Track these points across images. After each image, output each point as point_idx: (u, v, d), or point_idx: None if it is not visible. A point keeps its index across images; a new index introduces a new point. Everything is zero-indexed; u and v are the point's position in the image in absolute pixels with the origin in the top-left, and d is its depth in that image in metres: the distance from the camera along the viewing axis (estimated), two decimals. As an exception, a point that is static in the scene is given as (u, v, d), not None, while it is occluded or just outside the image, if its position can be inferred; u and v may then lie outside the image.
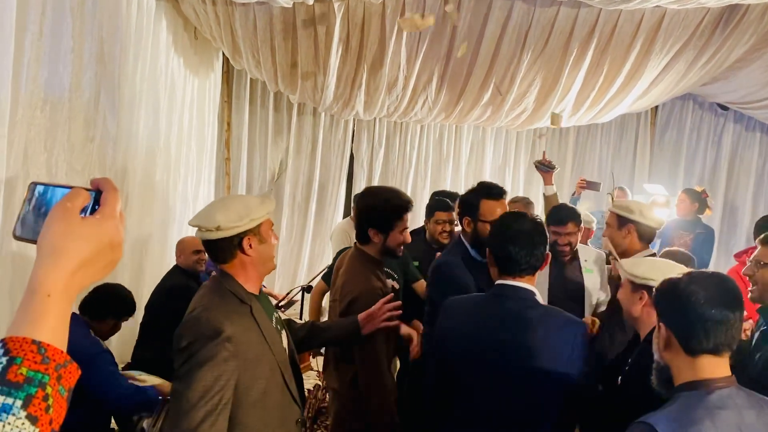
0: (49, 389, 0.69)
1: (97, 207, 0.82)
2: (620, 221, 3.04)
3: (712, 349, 1.51)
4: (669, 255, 3.46)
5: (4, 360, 0.68)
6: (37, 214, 0.83)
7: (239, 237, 1.87)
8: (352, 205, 5.49)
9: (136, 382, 3.31)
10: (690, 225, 5.16)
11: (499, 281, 2.14)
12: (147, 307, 4.38)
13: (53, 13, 3.32)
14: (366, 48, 5.16)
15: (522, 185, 7.61)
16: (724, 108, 7.25)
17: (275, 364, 1.90)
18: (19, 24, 2.98)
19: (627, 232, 3.02)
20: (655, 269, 2.16)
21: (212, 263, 5.55)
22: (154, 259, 4.84)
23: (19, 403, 0.67)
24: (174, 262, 4.63)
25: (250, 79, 6.43)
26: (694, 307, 1.52)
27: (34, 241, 0.80)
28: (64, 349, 0.72)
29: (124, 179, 4.38)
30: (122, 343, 4.44)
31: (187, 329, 1.82)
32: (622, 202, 3.11)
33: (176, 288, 4.34)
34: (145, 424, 3.43)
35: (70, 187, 0.82)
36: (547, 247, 2.16)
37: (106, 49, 3.94)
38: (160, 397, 3.22)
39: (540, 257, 2.11)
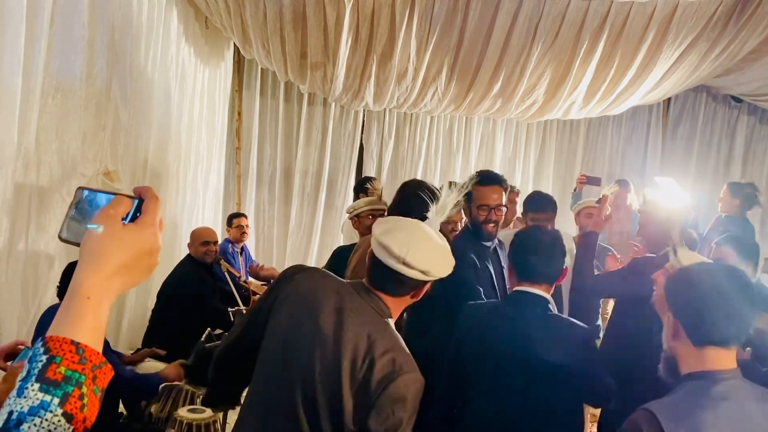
0: (84, 389, 0.71)
1: (138, 214, 0.85)
2: None
3: (719, 341, 1.50)
4: None
5: (44, 358, 0.71)
6: (82, 218, 0.86)
7: (424, 283, 1.73)
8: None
9: (142, 369, 3.36)
10: (730, 222, 4.78)
11: (516, 288, 2.22)
12: (159, 296, 4.41)
13: (65, 1, 3.35)
14: (375, 39, 5.16)
15: (532, 177, 7.58)
16: (737, 100, 7.18)
17: None
18: (30, 12, 3.01)
19: None
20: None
21: (225, 252, 5.50)
22: (164, 247, 4.82)
23: (56, 400, 0.69)
24: (185, 251, 4.67)
25: (261, 69, 6.45)
26: (702, 297, 1.51)
27: (78, 244, 0.83)
28: (100, 350, 0.75)
29: (135, 168, 4.42)
30: (133, 329, 4.50)
31: (412, 398, 1.59)
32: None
33: (187, 278, 4.36)
34: (152, 409, 3.48)
35: (115, 194, 0.86)
36: (565, 261, 2.23)
37: (118, 37, 3.97)
38: (162, 384, 3.26)
39: (556, 268, 2.18)
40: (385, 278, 1.69)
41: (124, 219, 0.83)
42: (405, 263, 1.62)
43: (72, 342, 0.72)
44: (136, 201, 0.86)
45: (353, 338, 1.61)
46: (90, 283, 0.77)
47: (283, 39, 5.16)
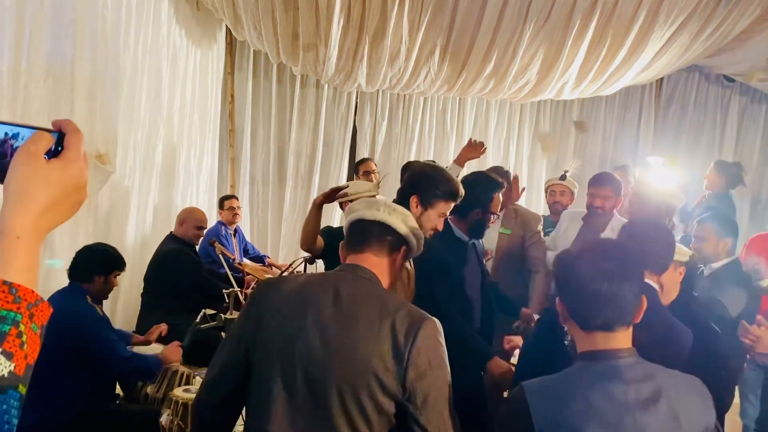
0: (22, 327, 0.71)
1: (60, 149, 0.82)
2: None
3: (602, 325, 1.47)
4: None
5: None
6: None
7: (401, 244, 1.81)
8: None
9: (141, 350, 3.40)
10: (712, 199, 5.05)
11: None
12: (145, 278, 4.43)
13: (54, -16, 3.34)
14: (367, 19, 5.14)
15: (526, 158, 7.60)
16: (730, 80, 7.18)
17: None
18: (19, -4, 3.00)
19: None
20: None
21: (218, 234, 5.54)
22: (157, 230, 4.90)
23: None
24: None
25: (253, 50, 6.42)
26: (581, 283, 1.47)
27: None
28: (36, 289, 0.75)
29: (127, 151, 4.42)
30: (127, 313, 4.53)
31: (440, 342, 1.64)
32: None
33: (172, 254, 4.37)
34: (148, 390, 3.53)
35: (31, 128, 0.82)
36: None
37: (108, 20, 3.95)
38: (161, 366, 3.30)
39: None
40: (367, 235, 1.76)
41: (46, 155, 0.80)
42: (388, 208, 1.78)
43: (4, 282, 0.72)
44: (56, 135, 0.82)
45: (365, 310, 1.61)
46: (19, 222, 0.76)
47: (274, 20, 5.14)
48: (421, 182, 2.46)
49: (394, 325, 1.57)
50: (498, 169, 3.99)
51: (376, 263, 1.75)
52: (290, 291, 1.71)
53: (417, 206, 2.43)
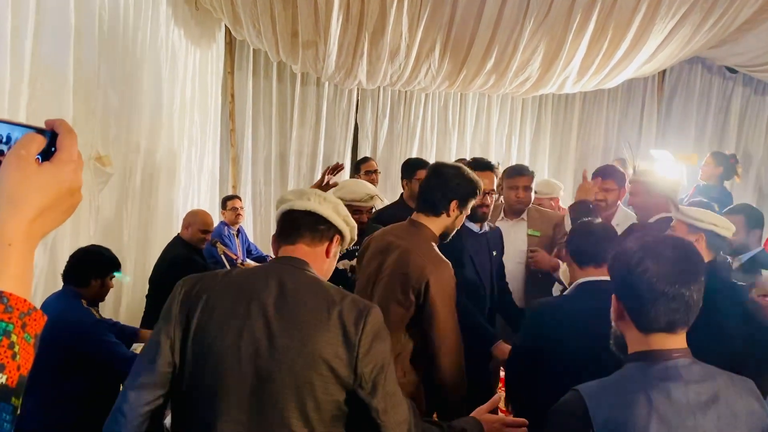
0: (14, 337, 0.69)
1: (53, 149, 0.78)
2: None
3: (665, 327, 1.43)
4: None
5: None
6: None
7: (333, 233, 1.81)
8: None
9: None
10: (708, 189, 5.02)
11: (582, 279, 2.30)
12: (150, 280, 4.40)
13: (50, -14, 3.32)
14: (367, 16, 5.11)
15: (528, 153, 7.58)
16: (732, 71, 7.14)
17: None
18: (16, -3, 2.98)
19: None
20: (713, 216, 2.61)
21: (221, 234, 5.47)
22: (159, 231, 4.89)
23: None
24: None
25: (253, 49, 6.40)
26: (645, 284, 1.42)
27: None
28: (29, 298, 0.72)
29: (127, 152, 4.40)
30: (131, 313, 4.52)
31: (384, 327, 1.66)
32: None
33: (178, 259, 4.34)
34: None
35: (23, 126, 0.79)
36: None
37: (106, 21, 3.94)
38: None
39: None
40: (299, 225, 1.75)
41: (39, 155, 0.77)
42: (318, 197, 1.76)
43: None
44: (49, 135, 0.78)
45: (311, 301, 1.60)
46: (10, 229, 0.73)
47: (273, 18, 5.12)
48: (458, 186, 2.46)
49: (341, 314, 1.57)
50: (518, 168, 3.98)
51: (309, 253, 1.74)
52: (226, 287, 1.65)
53: (455, 210, 2.46)
